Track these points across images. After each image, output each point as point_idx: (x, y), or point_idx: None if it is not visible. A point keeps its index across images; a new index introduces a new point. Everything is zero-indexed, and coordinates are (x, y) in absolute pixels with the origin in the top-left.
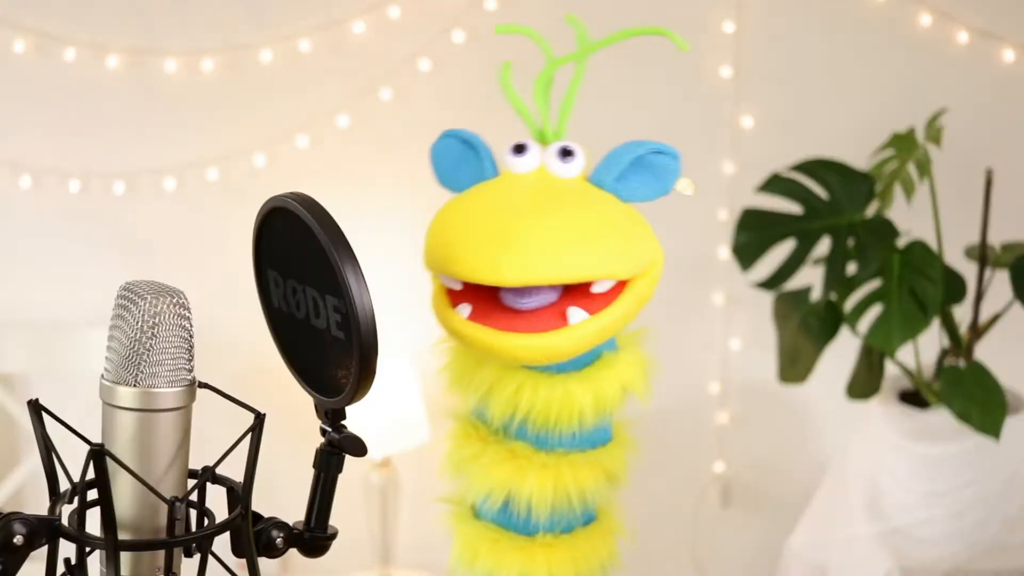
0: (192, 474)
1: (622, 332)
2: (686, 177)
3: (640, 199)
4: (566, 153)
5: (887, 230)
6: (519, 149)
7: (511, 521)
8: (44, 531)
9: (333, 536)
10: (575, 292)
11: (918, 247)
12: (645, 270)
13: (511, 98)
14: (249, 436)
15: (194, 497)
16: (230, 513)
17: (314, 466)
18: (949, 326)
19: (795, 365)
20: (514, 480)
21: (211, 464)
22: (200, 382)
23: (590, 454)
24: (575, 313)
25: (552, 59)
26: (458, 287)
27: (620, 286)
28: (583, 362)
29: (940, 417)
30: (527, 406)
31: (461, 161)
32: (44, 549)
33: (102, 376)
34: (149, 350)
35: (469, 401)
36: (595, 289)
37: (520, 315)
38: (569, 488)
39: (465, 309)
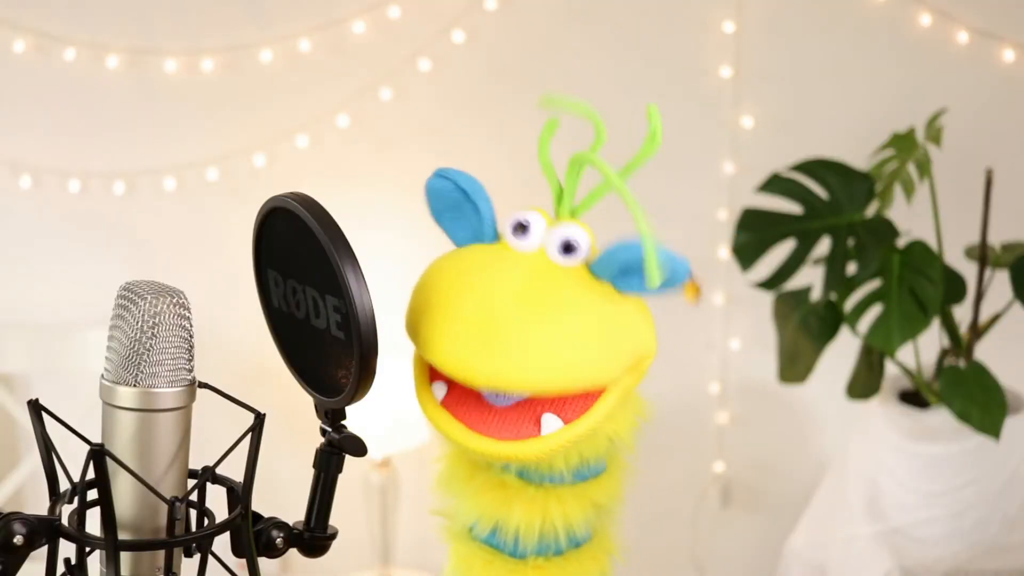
0: (192, 474)
1: None
2: (693, 283)
3: (640, 293)
4: (568, 249)
5: (887, 230)
6: (520, 229)
7: (501, 546)
8: (44, 531)
9: (333, 536)
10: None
11: (918, 247)
12: (631, 367)
13: (543, 157)
14: (249, 436)
15: (194, 497)
16: (230, 513)
17: (314, 466)
18: (949, 326)
19: (795, 365)
20: (501, 510)
21: (211, 464)
22: (200, 382)
23: (580, 487)
24: (549, 422)
25: (595, 154)
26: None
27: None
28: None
29: (940, 417)
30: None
31: (458, 212)
32: (44, 549)
33: (102, 376)
34: (149, 350)
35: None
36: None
37: (492, 413)
38: (556, 522)
39: (440, 390)
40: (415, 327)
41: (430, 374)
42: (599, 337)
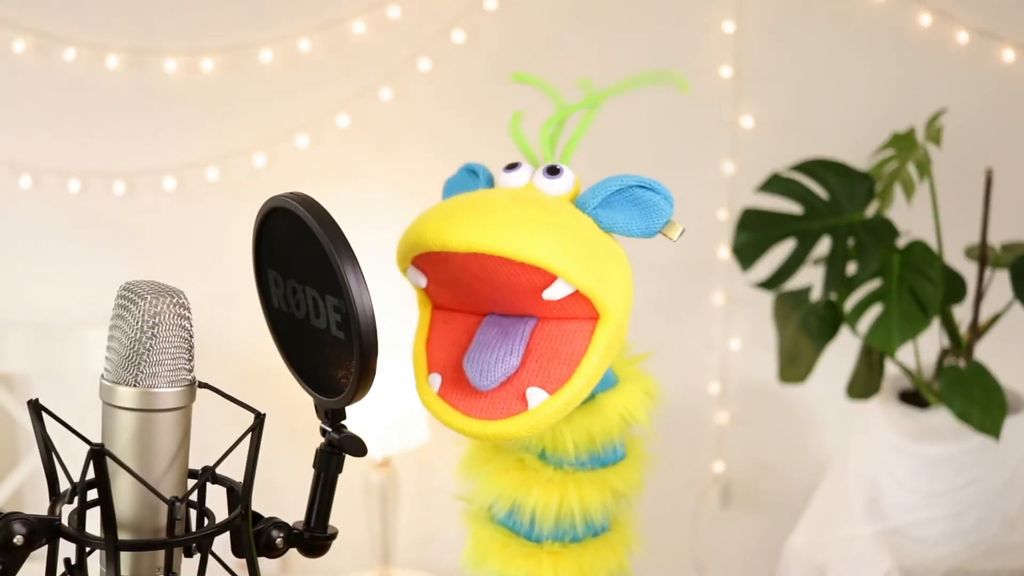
0: (192, 474)
1: (622, 359)
2: (677, 221)
3: (621, 232)
4: (553, 171)
5: (887, 230)
6: (511, 166)
7: (518, 528)
8: (44, 531)
9: (333, 536)
10: (542, 336)
11: (918, 247)
12: (607, 309)
13: (519, 141)
14: (249, 436)
15: (194, 497)
16: (230, 513)
17: (314, 466)
18: (949, 326)
19: (795, 365)
20: (520, 490)
21: (211, 464)
22: (200, 382)
23: (599, 473)
24: (534, 395)
25: (561, 107)
26: (423, 283)
27: (590, 318)
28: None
29: (940, 417)
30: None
31: (462, 186)
32: (44, 549)
33: (102, 376)
34: (149, 350)
35: None
36: (547, 295)
37: (481, 396)
38: (573, 506)
39: (436, 380)
40: (406, 236)
41: (429, 365)
42: (579, 238)
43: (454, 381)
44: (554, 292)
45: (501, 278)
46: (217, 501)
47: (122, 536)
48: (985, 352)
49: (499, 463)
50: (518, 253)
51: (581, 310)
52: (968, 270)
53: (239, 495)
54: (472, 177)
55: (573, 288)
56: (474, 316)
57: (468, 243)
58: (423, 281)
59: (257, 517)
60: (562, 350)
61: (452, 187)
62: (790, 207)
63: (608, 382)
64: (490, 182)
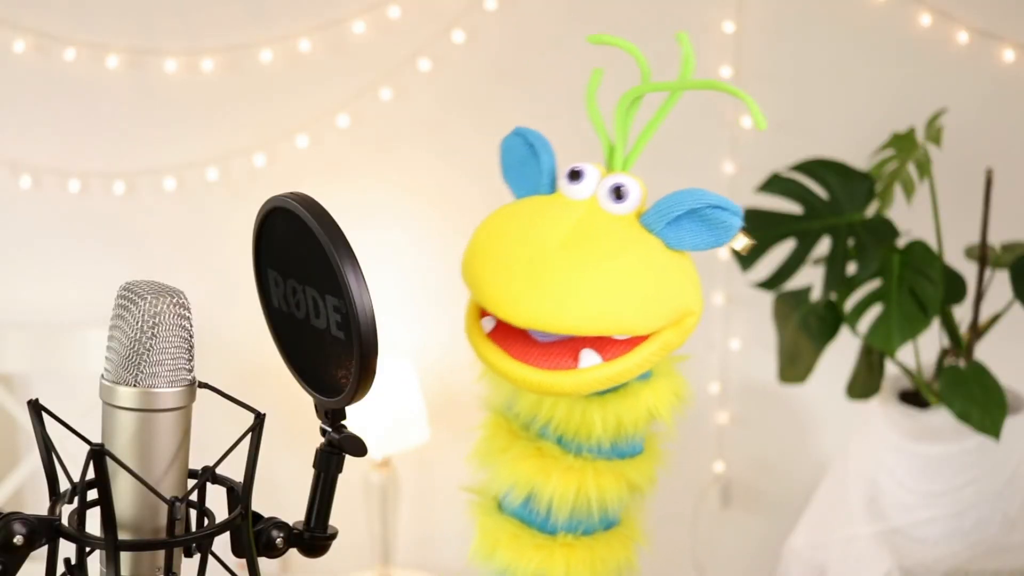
0: (192, 474)
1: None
2: (743, 233)
3: (689, 248)
4: (618, 196)
5: (887, 230)
6: (575, 175)
7: (532, 518)
8: (44, 531)
9: (333, 536)
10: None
11: (918, 247)
12: (674, 321)
13: (591, 110)
14: (249, 436)
15: (194, 497)
16: (230, 513)
17: (314, 466)
18: (949, 326)
19: (795, 365)
20: (538, 478)
21: (211, 464)
22: (200, 382)
23: (617, 464)
24: (587, 356)
25: (647, 81)
26: (488, 327)
27: (641, 337)
28: (609, 387)
29: (940, 417)
30: (548, 414)
31: (523, 165)
32: (44, 549)
33: (102, 376)
34: (149, 350)
35: (502, 394)
36: (615, 336)
37: (534, 345)
38: (590, 494)
39: (488, 323)
40: (469, 270)
41: (480, 311)
42: (642, 286)
43: (508, 327)
44: (620, 339)
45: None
46: (217, 501)
47: (122, 536)
48: (985, 352)
49: (517, 450)
50: (574, 331)
51: None
52: (968, 270)
53: (239, 495)
54: (532, 160)
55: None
56: None
57: (538, 325)
58: (490, 325)
59: (257, 517)
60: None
61: (510, 159)
62: (790, 207)
63: (644, 374)
64: (551, 172)
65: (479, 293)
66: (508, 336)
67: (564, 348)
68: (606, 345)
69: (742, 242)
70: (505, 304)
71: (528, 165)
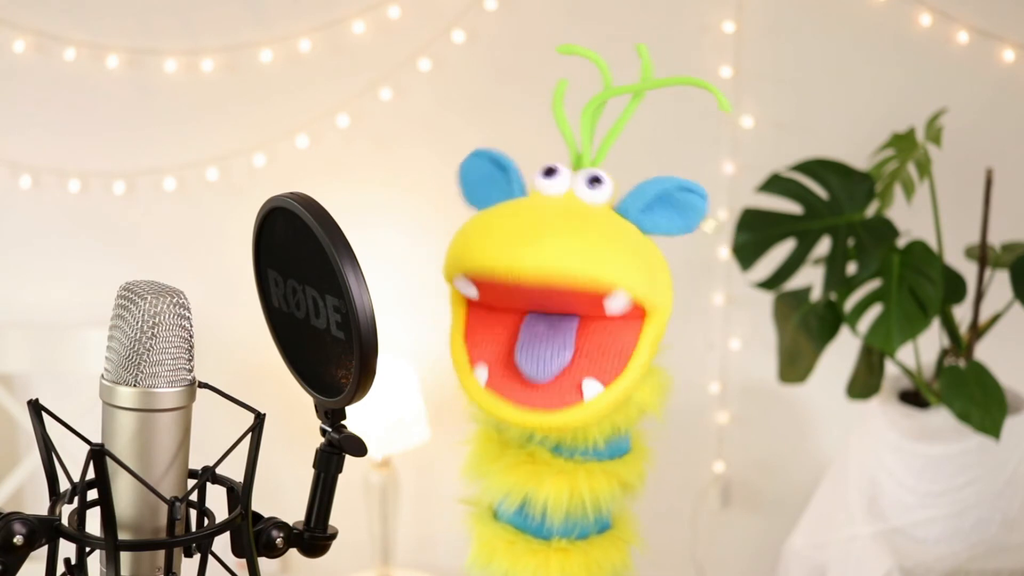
0: (192, 474)
1: None
2: (710, 216)
3: (662, 233)
4: (595, 181)
5: (887, 230)
6: (549, 172)
7: (527, 524)
8: (44, 531)
9: (333, 536)
10: (588, 333)
11: (918, 247)
12: (656, 308)
13: (559, 118)
14: (249, 436)
15: (194, 497)
16: (230, 513)
17: (314, 466)
18: (949, 326)
19: (795, 365)
20: (531, 484)
21: (211, 464)
22: (200, 382)
23: (607, 464)
24: (590, 386)
25: (610, 87)
26: (474, 294)
27: (635, 317)
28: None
29: (940, 417)
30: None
31: (490, 181)
32: (44, 549)
33: (102, 376)
34: (149, 350)
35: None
36: (609, 308)
37: (534, 389)
38: (584, 495)
39: (482, 373)
40: (455, 251)
41: (471, 356)
42: (634, 248)
43: (502, 374)
44: (616, 306)
45: (567, 296)
46: (217, 501)
47: (122, 536)
48: (985, 352)
49: (508, 459)
50: (581, 281)
51: (629, 311)
52: (968, 270)
53: (239, 495)
54: (500, 173)
55: (632, 299)
56: (512, 313)
57: (540, 276)
58: (474, 292)
59: (257, 517)
60: (611, 346)
61: (473, 178)
62: (790, 207)
63: None
64: (520, 183)
65: (474, 261)
66: (505, 383)
67: (565, 383)
68: (601, 367)
69: (711, 224)
70: (507, 261)
71: (495, 180)
